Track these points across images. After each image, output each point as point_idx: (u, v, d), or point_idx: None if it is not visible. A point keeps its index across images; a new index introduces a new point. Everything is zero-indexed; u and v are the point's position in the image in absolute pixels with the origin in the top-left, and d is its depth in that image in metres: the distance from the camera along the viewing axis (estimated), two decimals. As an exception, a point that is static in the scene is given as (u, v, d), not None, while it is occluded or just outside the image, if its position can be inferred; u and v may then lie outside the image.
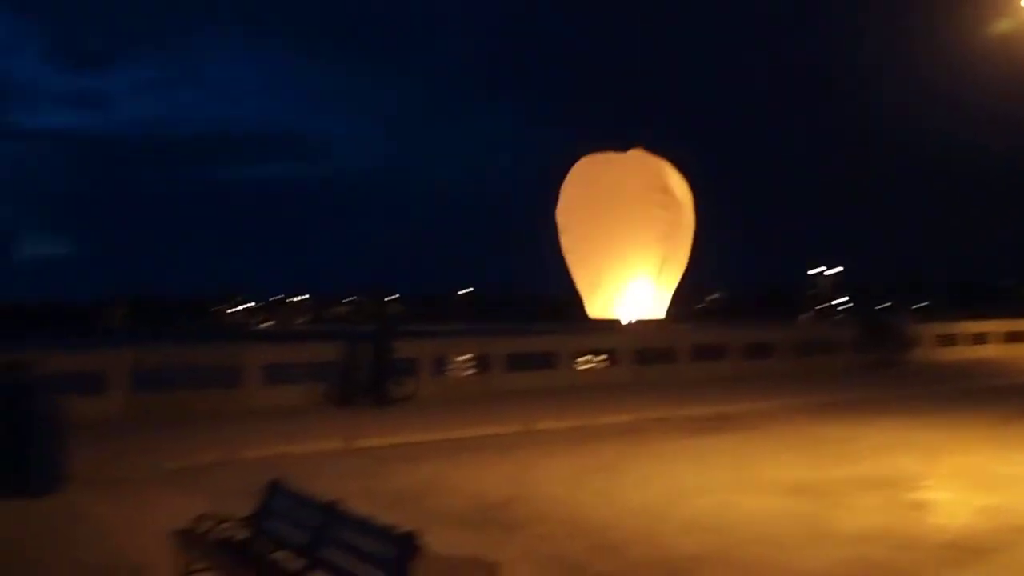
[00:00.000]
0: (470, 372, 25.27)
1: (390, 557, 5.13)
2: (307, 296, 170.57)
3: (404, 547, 5.11)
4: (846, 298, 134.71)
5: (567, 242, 12.43)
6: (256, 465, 13.20)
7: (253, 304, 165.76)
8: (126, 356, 19.45)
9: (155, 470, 13.09)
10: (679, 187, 12.47)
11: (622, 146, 13.09)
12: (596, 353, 27.89)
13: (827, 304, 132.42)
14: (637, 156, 12.21)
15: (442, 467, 13.31)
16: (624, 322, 13.04)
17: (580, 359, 26.83)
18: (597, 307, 12.29)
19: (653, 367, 26.19)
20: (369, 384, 20.45)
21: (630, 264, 12.32)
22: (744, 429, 17.10)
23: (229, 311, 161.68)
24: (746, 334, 30.43)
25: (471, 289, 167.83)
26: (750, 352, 28.56)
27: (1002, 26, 23.80)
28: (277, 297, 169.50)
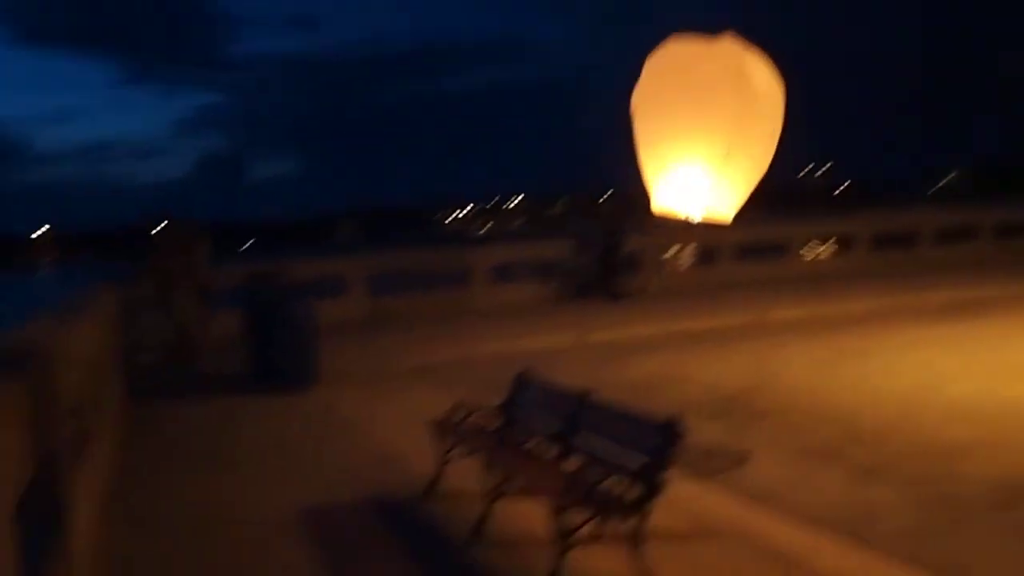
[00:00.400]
0: (698, 264, 24.80)
1: (651, 444, 5.04)
2: (522, 198, 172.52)
3: (668, 434, 5.00)
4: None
5: (637, 127, 11.47)
6: (491, 361, 13.50)
7: (471, 209, 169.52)
8: (362, 263, 20.32)
9: (397, 367, 13.66)
10: (761, 76, 11.20)
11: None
12: (827, 240, 26.65)
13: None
14: (723, 41, 11.05)
15: (677, 358, 13.15)
16: (689, 221, 11.96)
17: (811, 247, 25.74)
18: (660, 202, 11.31)
19: (891, 252, 24.76)
20: (599, 279, 20.47)
21: (692, 155, 11.18)
22: (998, 315, 15.88)
23: (449, 218, 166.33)
24: (994, 214, 28.05)
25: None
26: (999, 233, 26.40)
27: None
28: (494, 201, 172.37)
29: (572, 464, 5.75)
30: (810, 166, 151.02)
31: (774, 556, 5.59)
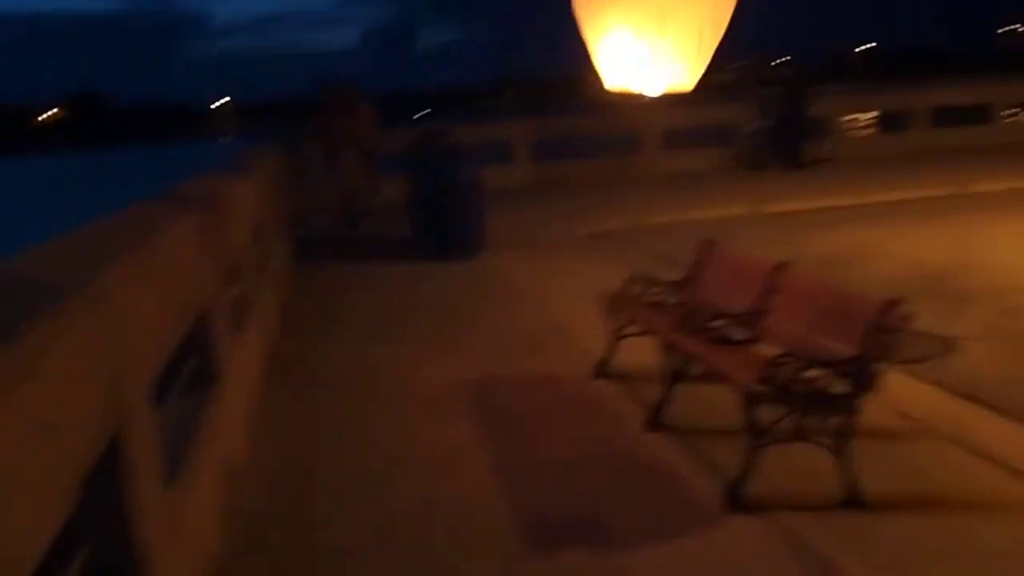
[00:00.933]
0: (887, 130, 22.97)
1: (865, 329, 4.31)
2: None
3: (886, 318, 4.26)
4: None
5: (576, 6, 10.11)
6: (660, 231, 12.91)
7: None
8: (528, 127, 19.69)
9: (563, 236, 13.17)
10: None
11: None
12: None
13: None
14: None
15: (867, 233, 12.05)
16: (648, 95, 10.56)
17: (1011, 111, 23.34)
18: (612, 80, 10.07)
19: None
20: (781, 146, 19.16)
21: (628, 21, 9.74)
22: None
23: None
24: None
25: (872, 45, 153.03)
26: None
27: None
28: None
29: (765, 349, 5.09)
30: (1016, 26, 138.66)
31: (995, 463, 4.83)
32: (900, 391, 5.81)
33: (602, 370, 6.46)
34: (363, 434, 5.76)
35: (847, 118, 22.62)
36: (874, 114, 24.71)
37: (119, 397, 2.99)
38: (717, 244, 6.36)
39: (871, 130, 24.55)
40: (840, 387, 4.36)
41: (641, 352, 6.20)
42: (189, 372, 4.72)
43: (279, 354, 7.78)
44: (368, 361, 7.47)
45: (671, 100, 20.09)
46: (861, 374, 4.27)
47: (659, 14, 9.63)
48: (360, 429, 5.86)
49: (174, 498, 3.59)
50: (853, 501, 4.34)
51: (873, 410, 5.07)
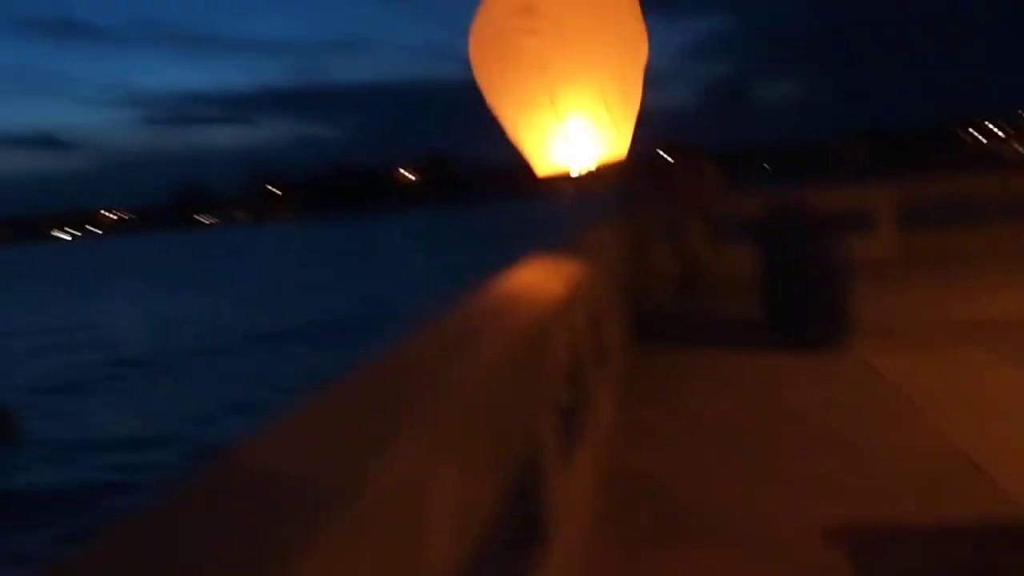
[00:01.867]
0: None
1: None
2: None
3: None
4: None
5: (489, 100, 9.33)
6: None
7: (1000, 126, 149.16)
8: (893, 191, 17.52)
9: (943, 322, 11.13)
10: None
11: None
12: None
13: None
14: None
15: None
16: (575, 174, 9.35)
17: None
18: (540, 163, 9.10)
19: None
20: None
21: (531, 107, 9.41)
22: None
23: (971, 137, 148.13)
24: None
25: None
26: None
27: None
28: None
29: None
30: None
31: None
32: None
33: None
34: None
35: None
36: None
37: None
38: None
39: None
40: None
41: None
42: (500, 536, 3.65)
43: (615, 479, 6.50)
44: (725, 496, 5.98)
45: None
46: None
47: (549, 96, 9.62)
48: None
49: None
50: None
51: None
